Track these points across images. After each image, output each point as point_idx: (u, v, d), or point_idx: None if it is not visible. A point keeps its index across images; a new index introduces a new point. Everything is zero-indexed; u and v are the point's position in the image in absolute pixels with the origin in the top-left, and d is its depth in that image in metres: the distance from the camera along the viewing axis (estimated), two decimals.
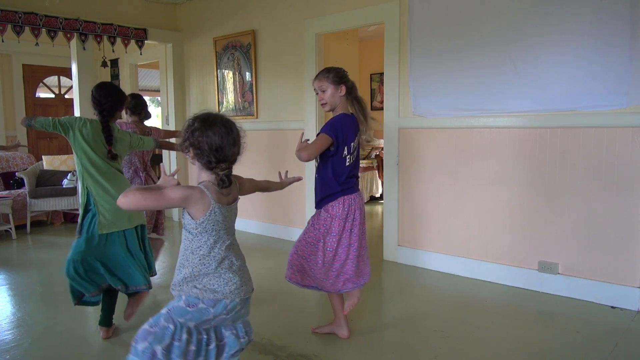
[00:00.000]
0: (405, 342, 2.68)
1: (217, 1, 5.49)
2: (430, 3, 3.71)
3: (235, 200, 1.76)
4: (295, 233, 4.70)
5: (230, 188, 1.69)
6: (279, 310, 3.11)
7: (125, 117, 3.82)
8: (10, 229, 5.22)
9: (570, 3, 3.07)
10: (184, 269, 1.68)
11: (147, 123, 3.87)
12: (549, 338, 2.68)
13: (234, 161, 1.69)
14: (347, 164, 2.57)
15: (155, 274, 2.97)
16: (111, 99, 2.73)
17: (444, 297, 3.36)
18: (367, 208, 6.83)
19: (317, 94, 2.64)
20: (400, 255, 4.13)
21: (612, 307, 3.08)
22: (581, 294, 3.20)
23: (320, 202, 2.60)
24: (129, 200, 1.52)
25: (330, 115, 2.68)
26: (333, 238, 2.55)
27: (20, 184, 5.86)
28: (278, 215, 5.18)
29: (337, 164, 2.54)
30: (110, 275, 2.65)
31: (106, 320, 2.80)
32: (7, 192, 5.67)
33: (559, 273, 3.30)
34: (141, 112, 3.81)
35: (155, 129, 3.98)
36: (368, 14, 4.17)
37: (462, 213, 3.75)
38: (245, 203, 5.19)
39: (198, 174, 1.71)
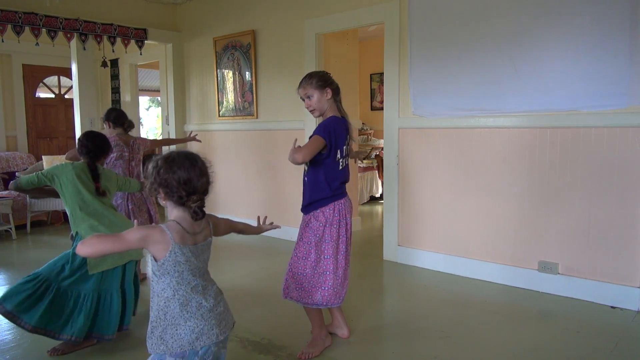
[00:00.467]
0: (405, 342, 2.68)
1: (217, 1, 5.49)
2: (430, 3, 3.71)
3: (207, 239, 1.70)
4: (294, 233, 4.70)
5: (200, 226, 1.67)
6: (279, 311, 3.10)
7: (108, 130, 3.86)
8: (10, 229, 5.22)
9: (571, 3, 3.07)
10: (151, 313, 1.64)
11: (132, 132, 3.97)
12: (549, 338, 2.68)
13: (205, 192, 1.65)
14: (340, 167, 2.52)
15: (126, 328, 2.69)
16: (97, 145, 2.79)
17: (444, 297, 3.36)
18: (367, 208, 6.83)
19: (303, 101, 2.63)
20: (400, 255, 4.13)
21: (612, 307, 3.08)
22: (581, 294, 3.20)
23: (308, 207, 2.52)
24: (86, 248, 1.53)
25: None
26: (328, 245, 2.48)
27: None
28: (277, 215, 5.17)
29: (330, 167, 2.48)
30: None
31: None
32: (7, 192, 5.67)
33: (559, 273, 3.30)
34: (124, 122, 3.87)
35: (141, 139, 4.06)
36: (368, 14, 4.17)
37: (462, 213, 3.74)
38: (243, 202, 5.20)
39: (169, 215, 1.67)
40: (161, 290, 1.61)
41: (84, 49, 5.16)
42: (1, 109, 6.50)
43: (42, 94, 7.12)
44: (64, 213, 6.08)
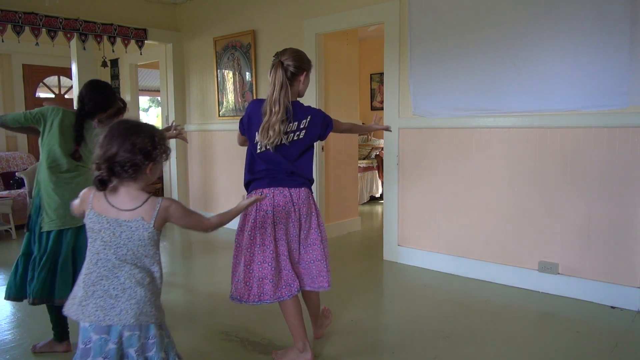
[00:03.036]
0: (405, 342, 2.68)
1: (217, 1, 5.49)
2: (430, 3, 3.71)
3: (136, 219, 1.54)
4: None
5: (136, 203, 1.55)
6: (279, 311, 3.10)
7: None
8: (10, 229, 5.22)
9: (571, 3, 3.07)
10: None
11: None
12: (549, 338, 2.68)
13: (109, 158, 1.50)
14: (258, 151, 2.30)
15: None
16: (95, 97, 2.54)
17: (444, 297, 3.36)
18: (367, 208, 6.83)
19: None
20: (400, 255, 4.13)
21: (612, 307, 3.08)
22: (581, 294, 3.20)
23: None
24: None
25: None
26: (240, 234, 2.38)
27: (20, 184, 5.85)
28: None
29: (249, 152, 2.39)
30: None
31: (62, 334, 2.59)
32: (7, 192, 5.67)
33: (559, 273, 3.30)
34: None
35: None
36: (368, 14, 4.17)
37: (462, 213, 3.74)
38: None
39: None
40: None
41: (84, 49, 5.16)
42: (1, 109, 6.50)
43: (42, 93, 7.12)
44: None
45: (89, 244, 1.57)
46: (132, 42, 5.51)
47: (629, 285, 3.04)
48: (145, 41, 5.60)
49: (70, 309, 1.56)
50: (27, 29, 4.68)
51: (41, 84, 7.00)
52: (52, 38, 4.88)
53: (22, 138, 6.73)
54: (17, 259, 2.58)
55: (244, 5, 5.21)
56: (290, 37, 4.80)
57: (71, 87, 6.58)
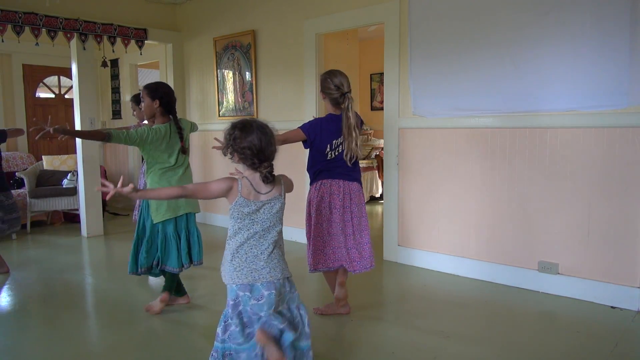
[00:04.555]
0: (405, 342, 2.68)
1: (217, 1, 5.49)
2: (430, 3, 3.71)
3: (274, 196, 1.95)
4: (293, 232, 4.71)
5: (268, 186, 1.93)
6: None
7: (139, 114, 4.06)
8: None
9: (571, 3, 3.07)
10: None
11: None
12: (549, 338, 2.68)
13: (272, 158, 1.92)
14: (329, 158, 2.90)
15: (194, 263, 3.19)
16: (171, 96, 3.04)
17: (444, 297, 3.36)
18: (367, 208, 6.81)
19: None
20: (400, 255, 4.13)
21: (612, 307, 3.08)
22: (581, 294, 3.20)
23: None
24: (172, 191, 1.93)
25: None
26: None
27: (20, 184, 5.86)
28: None
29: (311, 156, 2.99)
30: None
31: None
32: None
33: (559, 273, 3.30)
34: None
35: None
36: (368, 14, 4.17)
37: (462, 213, 3.74)
38: None
39: (244, 171, 1.95)
40: (229, 229, 1.95)
41: (84, 49, 5.16)
42: (1, 109, 6.50)
43: (42, 94, 7.12)
44: (64, 213, 6.09)
45: (233, 223, 1.92)
46: (132, 42, 5.51)
47: (629, 285, 3.04)
48: (145, 41, 5.60)
49: (226, 274, 1.93)
50: (27, 29, 4.68)
51: (41, 84, 7.00)
52: (52, 38, 4.88)
53: (22, 138, 6.72)
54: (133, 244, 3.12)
55: (244, 5, 5.21)
56: (290, 37, 4.80)
57: (71, 87, 6.58)
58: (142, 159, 3.83)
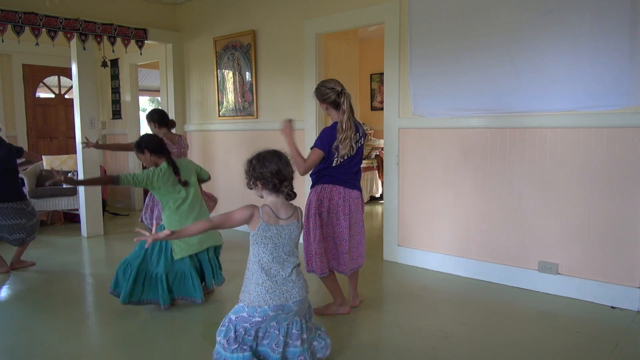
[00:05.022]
0: (405, 342, 2.68)
1: (217, 1, 5.49)
2: (430, 3, 3.71)
3: (293, 222, 2.13)
4: None
5: (288, 212, 2.12)
6: None
7: (154, 130, 4.14)
8: None
9: (571, 3, 3.07)
10: (246, 272, 2.14)
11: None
12: (549, 338, 2.68)
13: (291, 178, 2.10)
14: (334, 164, 2.92)
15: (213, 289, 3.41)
16: (160, 144, 3.22)
17: (444, 297, 3.36)
18: (367, 208, 6.82)
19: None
20: (400, 255, 4.13)
21: (612, 307, 3.08)
22: (581, 294, 3.20)
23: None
24: (196, 227, 2.07)
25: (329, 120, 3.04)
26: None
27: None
28: None
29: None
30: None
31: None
32: None
33: (559, 273, 3.30)
34: (168, 122, 4.18)
35: (183, 136, 4.39)
36: (368, 14, 4.17)
37: (462, 213, 3.74)
38: (243, 202, 5.19)
39: (265, 201, 2.12)
40: (252, 255, 2.09)
41: (84, 49, 5.15)
42: (1, 109, 6.49)
43: (42, 94, 7.12)
44: (64, 213, 6.09)
45: (257, 249, 2.06)
46: (132, 42, 5.50)
47: (629, 285, 3.04)
48: (145, 41, 5.60)
49: (254, 297, 2.06)
50: (27, 29, 4.67)
51: (41, 84, 7.00)
52: (52, 38, 4.88)
53: (22, 138, 6.73)
54: (133, 270, 3.06)
55: (244, 5, 5.21)
56: (290, 37, 4.80)
57: (71, 87, 6.58)
58: (146, 193, 4.02)
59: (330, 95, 2.90)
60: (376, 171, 7.29)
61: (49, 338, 2.79)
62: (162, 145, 3.20)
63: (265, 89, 5.13)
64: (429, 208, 3.93)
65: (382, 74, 6.77)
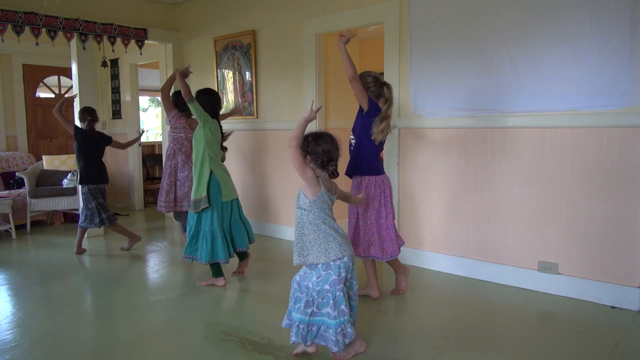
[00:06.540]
0: (405, 342, 2.68)
1: (217, 1, 5.49)
2: (431, 3, 3.71)
3: (336, 193, 2.45)
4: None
5: (333, 185, 2.42)
6: (279, 310, 3.10)
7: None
8: (10, 229, 5.22)
9: (571, 3, 3.07)
10: (305, 236, 2.36)
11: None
12: (549, 338, 2.68)
13: (337, 160, 2.37)
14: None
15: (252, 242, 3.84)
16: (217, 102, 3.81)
17: (444, 297, 3.36)
18: None
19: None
20: (400, 255, 4.12)
21: (612, 307, 3.08)
22: (581, 294, 3.20)
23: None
24: (292, 151, 2.26)
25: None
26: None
27: (20, 184, 5.86)
28: (276, 215, 5.18)
29: None
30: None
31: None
32: (7, 192, 5.67)
33: (559, 273, 3.30)
34: (187, 108, 4.15)
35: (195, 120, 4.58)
36: (368, 14, 4.17)
37: (462, 213, 3.74)
38: (243, 202, 5.20)
39: (316, 169, 2.36)
40: (313, 218, 2.34)
41: (84, 49, 5.16)
42: (1, 109, 6.50)
43: (42, 93, 7.12)
44: (64, 213, 6.08)
45: (320, 212, 2.34)
46: (132, 42, 5.51)
47: (629, 285, 3.04)
48: (145, 41, 5.60)
49: (330, 252, 2.33)
50: (27, 29, 4.68)
51: (41, 84, 7.01)
52: (52, 38, 4.88)
53: (22, 138, 6.73)
54: (211, 236, 3.53)
55: (244, 5, 5.21)
56: (290, 37, 4.80)
57: (71, 87, 6.58)
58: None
59: (371, 85, 3.19)
60: None
61: (49, 338, 2.79)
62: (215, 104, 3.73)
63: (265, 88, 5.13)
64: (429, 208, 3.93)
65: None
